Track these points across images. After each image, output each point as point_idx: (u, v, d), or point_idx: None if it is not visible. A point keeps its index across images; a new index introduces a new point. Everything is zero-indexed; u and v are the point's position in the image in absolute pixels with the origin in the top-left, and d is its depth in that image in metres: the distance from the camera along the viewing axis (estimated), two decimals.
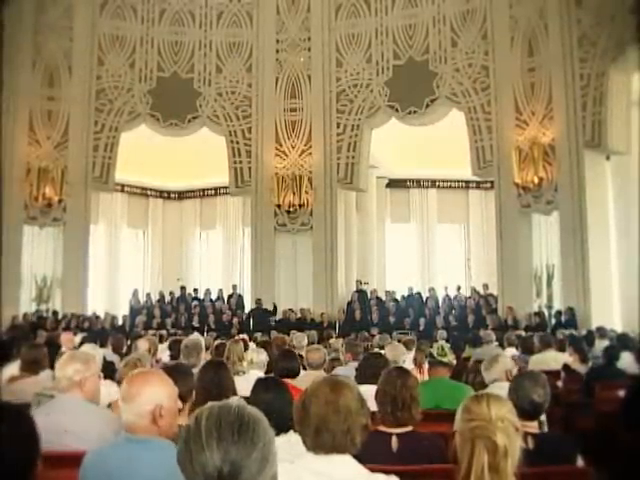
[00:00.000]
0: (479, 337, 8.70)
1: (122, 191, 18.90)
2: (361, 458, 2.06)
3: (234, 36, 16.29)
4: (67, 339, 7.72)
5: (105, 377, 4.13)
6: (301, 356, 5.58)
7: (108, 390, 3.84)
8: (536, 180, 13.39)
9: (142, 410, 2.30)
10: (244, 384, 3.81)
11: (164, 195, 20.58)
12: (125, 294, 17.86)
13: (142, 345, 6.42)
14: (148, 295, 17.14)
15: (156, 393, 2.34)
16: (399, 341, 7.12)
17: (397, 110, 15.31)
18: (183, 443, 1.36)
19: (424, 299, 15.97)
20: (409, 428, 2.95)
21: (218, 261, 20.16)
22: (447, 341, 8.29)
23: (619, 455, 1.10)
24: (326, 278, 15.46)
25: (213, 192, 20.19)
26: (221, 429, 1.34)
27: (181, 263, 20.26)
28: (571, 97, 13.01)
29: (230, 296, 16.56)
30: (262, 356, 5.11)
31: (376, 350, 6.42)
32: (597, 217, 12.77)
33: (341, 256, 15.79)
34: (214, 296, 16.68)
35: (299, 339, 7.29)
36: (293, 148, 15.86)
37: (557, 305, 13.29)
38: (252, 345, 7.04)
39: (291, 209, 15.69)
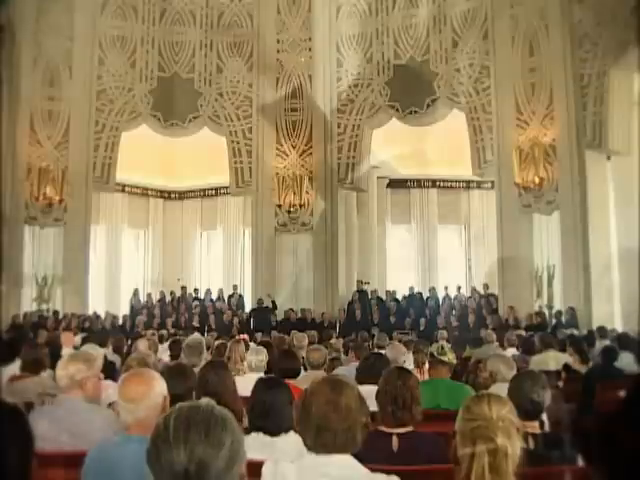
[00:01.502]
0: (480, 337, 8.70)
1: (123, 191, 18.89)
2: (362, 458, 2.06)
3: (235, 36, 16.29)
4: (68, 339, 7.72)
5: (106, 377, 4.13)
6: (302, 356, 5.59)
7: (108, 390, 3.84)
8: (537, 180, 13.39)
9: (155, 403, 2.44)
10: (245, 384, 3.81)
11: (165, 195, 20.57)
12: (126, 294, 17.86)
13: (142, 345, 6.42)
14: (149, 295, 17.14)
15: (162, 386, 2.53)
16: (399, 341, 7.13)
17: (398, 110, 15.32)
18: (152, 442, 1.39)
19: (425, 299, 15.97)
20: (409, 428, 2.95)
21: (219, 261, 20.16)
22: (447, 341, 8.30)
23: (619, 455, 1.10)
24: (326, 278, 15.46)
25: (214, 192, 20.17)
26: (189, 428, 1.37)
27: (182, 263, 20.25)
28: (572, 97, 13.01)
29: (231, 296, 16.56)
30: (262, 356, 5.11)
31: (375, 350, 6.42)
32: (598, 217, 12.76)
33: (341, 256, 15.80)
34: (215, 296, 16.68)
35: (299, 339, 7.29)
36: (294, 148, 15.87)
37: (558, 305, 13.28)
38: (252, 345, 7.04)
39: (292, 209, 15.70)
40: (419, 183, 19.48)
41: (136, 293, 17.16)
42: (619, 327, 11.32)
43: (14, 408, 1.57)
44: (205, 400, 3.24)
